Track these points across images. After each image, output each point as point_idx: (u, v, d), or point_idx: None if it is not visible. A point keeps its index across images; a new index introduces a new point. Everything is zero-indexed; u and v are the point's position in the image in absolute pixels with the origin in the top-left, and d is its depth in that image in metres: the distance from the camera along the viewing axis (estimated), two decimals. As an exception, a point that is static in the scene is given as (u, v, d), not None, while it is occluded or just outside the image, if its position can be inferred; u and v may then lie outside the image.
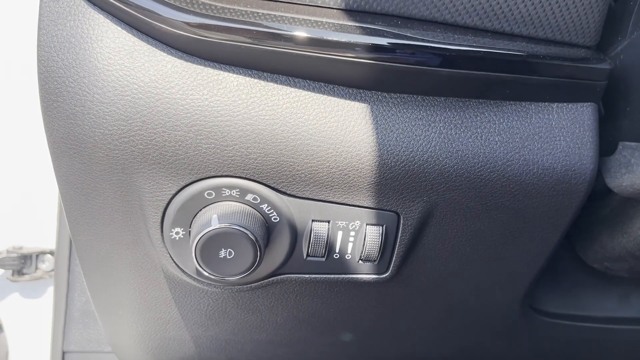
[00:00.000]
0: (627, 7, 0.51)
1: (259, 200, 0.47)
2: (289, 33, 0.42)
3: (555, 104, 0.48)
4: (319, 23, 0.44)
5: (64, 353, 0.88)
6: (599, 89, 0.49)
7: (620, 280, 0.67)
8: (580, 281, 0.68)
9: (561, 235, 0.52)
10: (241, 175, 0.46)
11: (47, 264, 0.89)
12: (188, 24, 0.42)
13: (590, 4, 0.46)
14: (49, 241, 0.89)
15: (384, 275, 0.53)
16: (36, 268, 0.88)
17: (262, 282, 0.53)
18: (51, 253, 0.89)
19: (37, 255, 0.87)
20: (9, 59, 0.96)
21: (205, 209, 0.47)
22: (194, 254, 0.46)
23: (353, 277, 0.52)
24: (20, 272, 0.86)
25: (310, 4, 0.45)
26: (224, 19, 0.42)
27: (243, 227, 0.46)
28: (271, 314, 0.59)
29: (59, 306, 0.87)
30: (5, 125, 0.93)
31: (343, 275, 0.52)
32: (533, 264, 0.55)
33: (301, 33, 0.42)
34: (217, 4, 0.43)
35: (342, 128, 0.45)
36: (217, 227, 0.45)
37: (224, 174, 0.46)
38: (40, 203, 0.89)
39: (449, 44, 0.44)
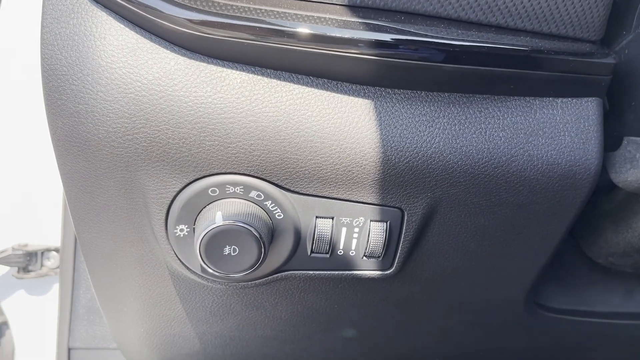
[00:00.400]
0: (631, 1, 0.51)
1: (262, 197, 0.47)
2: (292, 30, 0.42)
3: (560, 99, 0.48)
4: (322, 19, 0.43)
5: (69, 350, 0.88)
6: (604, 84, 0.48)
7: (624, 276, 0.67)
8: (585, 277, 0.68)
9: (566, 230, 0.52)
10: (245, 172, 0.46)
11: (52, 261, 0.89)
12: (191, 21, 0.42)
13: None
14: (54, 238, 0.90)
15: (388, 272, 0.53)
16: (41, 265, 0.88)
17: (267, 278, 0.53)
18: (56, 250, 0.89)
19: (42, 253, 0.88)
20: (14, 58, 0.96)
21: (210, 206, 0.47)
22: (198, 251, 0.46)
23: (357, 274, 0.53)
24: (25, 270, 0.87)
25: (313, 0, 0.45)
26: (226, 16, 0.42)
27: (247, 224, 0.46)
28: (275, 311, 0.59)
29: (65, 303, 0.87)
30: (10, 124, 0.94)
31: (347, 272, 0.52)
32: (537, 259, 0.55)
33: (304, 30, 0.42)
34: (219, 1, 0.43)
35: (345, 124, 0.45)
36: (221, 224, 0.45)
37: (228, 171, 0.46)
38: (45, 200, 0.90)
39: (453, 40, 0.44)
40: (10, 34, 0.96)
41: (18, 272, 0.87)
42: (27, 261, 0.86)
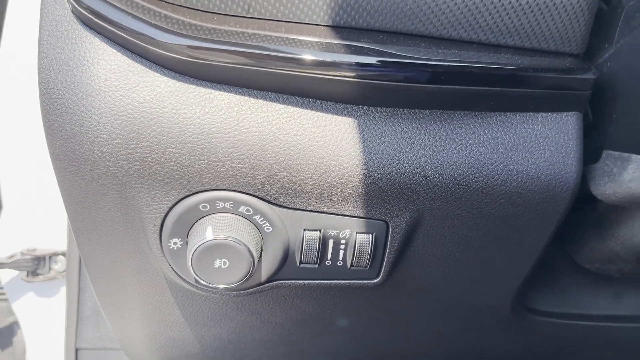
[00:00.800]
0: (615, 13, 0.52)
1: (252, 211, 0.49)
2: (276, 54, 0.44)
3: (540, 114, 0.49)
4: (306, 42, 0.45)
5: (77, 350, 0.92)
6: (584, 99, 0.49)
7: (613, 279, 0.68)
8: (575, 280, 0.69)
9: (548, 240, 0.54)
10: (234, 188, 0.48)
11: (59, 264, 0.92)
12: (180, 46, 0.44)
13: (575, 13, 0.47)
14: (61, 242, 0.93)
15: (375, 281, 0.54)
16: (49, 269, 0.91)
17: (259, 287, 0.55)
18: (63, 254, 0.92)
19: (50, 257, 0.91)
20: (18, 62, 0.99)
21: (201, 220, 0.49)
22: (190, 264, 0.48)
23: (345, 283, 0.54)
24: (34, 273, 0.90)
25: (297, 21, 0.47)
26: (213, 41, 0.44)
27: (236, 239, 0.48)
28: (270, 316, 0.61)
29: (71, 305, 0.90)
30: (19, 132, 0.96)
31: (335, 281, 0.54)
32: (522, 267, 0.57)
33: (288, 54, 0.44)
34: (207, 25, 0.45)
35: (330, 142, 0.47)
36: (212, 238, 0.47)
37: (218, 187, 0.48)
38: (52, 206, 0.92)
39: (433, 60, 0.45)
40: (17, 37, 0.98)
41: (27, 275, 0.90)
42: (36, 265, 0.89)
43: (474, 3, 0.46)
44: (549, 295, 0.68)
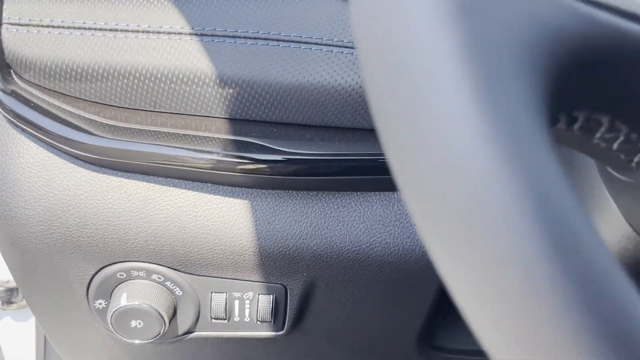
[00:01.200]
0: None
1: (162, 278, 0.56)
2: (174, 154, 0.51)
3: (417, 192, 0.55)
4: (203, 139, 0.51)
5: (47, 372, 1.01)
6: None
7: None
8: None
9: (433, 298, 0.60)
10: (145, 260, 0.55)
11: (32, 293, 1.01)
12: (91, 145, 0.51)
13: None
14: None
15: (281, 332, 0.62)
16: (22, 298, 1.00)
17: (178, 338, 0.62)
18: (35, 284, 1.01)
19: (22, 287, 1.00)
20: None
21: (119, 286, 0.57)
22: (110, 324, 0.56)
23: (254, 334, 0.62)
24: (9, 302, 0.99)
25: (197, 114, 0.53)
26: (120, 141, 0.51)
27: (147, 303, 0.55)
28: (201, 356, 0.69)
29: (40, 331, 0.99)
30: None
31: (245, 333, 0.61)
32: (416, 316, 0.63)
33: (185, 153, 0.51)
34: (116, 124, 0.52)
35: (226, 221, 0.54)
36: (126, 304, 0.55)
37: (130, 259, 0.55)
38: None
39: (314, 155, 0.51)
40: None
41: (2, 304, 0.99)
42: (9, 295, 0.98)
43: (352, 97, 0.51)
44: (458, 333, 0.74)
